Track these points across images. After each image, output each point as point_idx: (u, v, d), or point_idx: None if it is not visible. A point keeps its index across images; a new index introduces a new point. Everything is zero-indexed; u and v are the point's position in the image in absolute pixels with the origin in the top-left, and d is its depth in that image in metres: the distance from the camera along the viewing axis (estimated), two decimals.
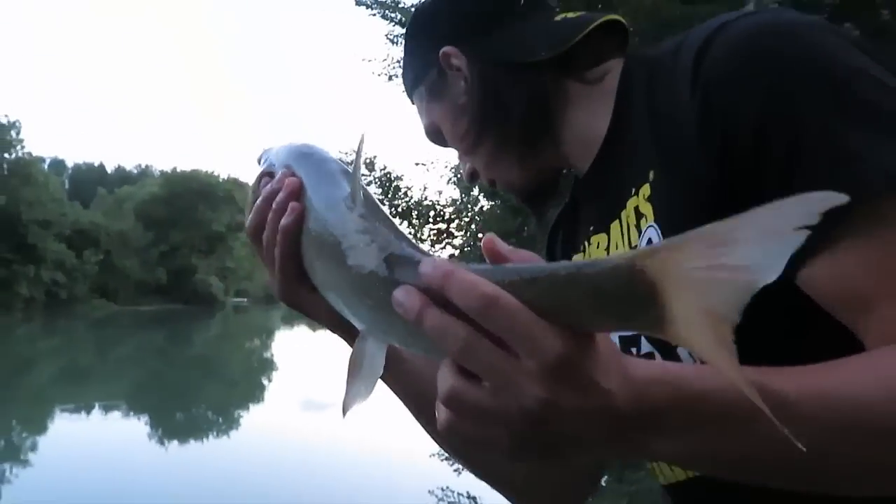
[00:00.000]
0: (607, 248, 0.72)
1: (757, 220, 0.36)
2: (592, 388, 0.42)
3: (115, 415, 15.17)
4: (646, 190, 0.66)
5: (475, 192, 6.00)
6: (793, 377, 0.47)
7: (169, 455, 11.97)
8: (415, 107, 0.82)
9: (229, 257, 47.81)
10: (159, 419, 14.64)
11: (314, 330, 44.80)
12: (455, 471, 7.30)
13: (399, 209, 6.63)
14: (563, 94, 0.73)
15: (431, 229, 6.60)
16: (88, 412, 15.20)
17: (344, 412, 0.55)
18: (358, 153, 0.56)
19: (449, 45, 0.74)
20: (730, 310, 0.36)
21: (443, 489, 7.56)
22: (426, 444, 8.16)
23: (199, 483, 9.63)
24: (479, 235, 6.22)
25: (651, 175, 0.66)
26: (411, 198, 6.52)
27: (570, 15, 0.74)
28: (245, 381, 22.61)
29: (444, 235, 6.56)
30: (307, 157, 0.62)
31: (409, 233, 6.66)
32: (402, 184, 6.56)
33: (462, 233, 6.43)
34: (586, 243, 0.77)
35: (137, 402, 16.46)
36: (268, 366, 26.20)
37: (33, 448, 11.66)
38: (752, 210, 0.36)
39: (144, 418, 14.86)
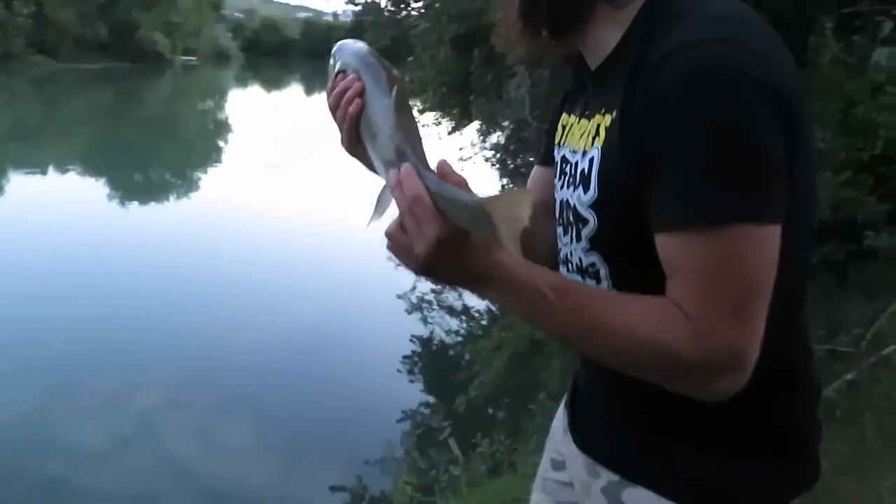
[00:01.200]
0: (580, 135, 0.96)
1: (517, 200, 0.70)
2: (457, 260, 0.78)
3: (72, 176, 15.07)
4: (608, 119, 0.87)
5: None
6: (581, 291, 0.86)
7: (130, 215, 12.26)
8: None
9: (174, 11, 44.87)
10: (117, 180, 14.58)
11: (268, 91, 43.75)
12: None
13: None
14: (593, 9, 0.90)
15: None
16: (44, 173, 15.00)
17: (367, 224, 0.88)
18: (397, 92, 0.87)
19: None
20: (518, 231, 0.68)
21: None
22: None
23: (162, 241, 9.80)
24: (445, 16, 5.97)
25: (615, 113, 0.85)
26: None
27: None
28: (201, 141, 22.43)
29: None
30: (370, 66, 0.92)
31: None
32: None
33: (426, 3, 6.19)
34: (575, 119, 1.01)
35: (93, 163, 16.29)
36: (223, 127, 25.85)
37: None
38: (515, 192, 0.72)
39: (102, 179, 14.81)
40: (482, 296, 0.86)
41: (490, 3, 1.10)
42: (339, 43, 1.01)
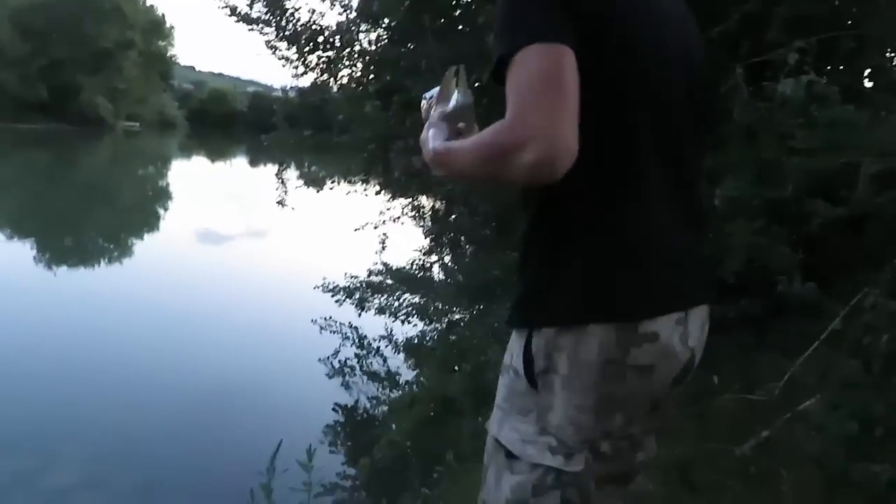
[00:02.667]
0: None
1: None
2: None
3: None
4: None
5: (359, 22, 5.67)
6: (455, 144, 1.23)
7: (58, 280, 11.60)
8: None
9: (119, 77, 44.73)
10: (46, 244, 14.06)
11: (213, 161, 43.43)
12: (336, 301, 7.59)
13: (287, 32, 6.20)
14: None
15: (320, 57, 6.27)
16: None
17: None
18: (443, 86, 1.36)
19: None
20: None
21: (325, 318, 7.88)
22: (310, 279, 8.05)
23: (89, 307, 9.46)
24: (370, 68, 5.95)
25: None
26: (298, 19, 6.12)
27: None
28: (138, 208, 21.98)
29: (333, 65, 6.27)
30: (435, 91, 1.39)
31: (297, 58, 6.28)
32: (289, 4, 6.11)
33: (351, 63, 6.16)
34: None
35: (22, 226, 15.67)
36: (163, 194, 25.44)
37: None
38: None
39: (30, 242, 14.21)
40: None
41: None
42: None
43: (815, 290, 2.47)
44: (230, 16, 6.29)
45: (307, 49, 6.14)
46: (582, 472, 1.15)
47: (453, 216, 5.70)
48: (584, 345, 1.11)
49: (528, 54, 1.04)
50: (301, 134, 6.29)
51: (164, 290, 10.39)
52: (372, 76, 5.37)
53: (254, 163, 40.58)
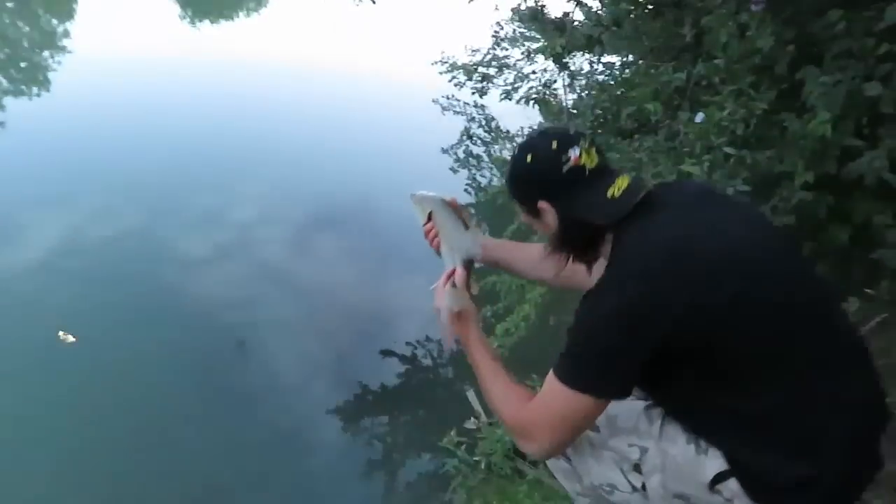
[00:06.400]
0: None
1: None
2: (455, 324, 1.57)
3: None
4: None
5: None
6: (490, 359, 1.53)
7: (214, 34, 12.59)
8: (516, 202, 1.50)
9: None
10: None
11: None
12: (456, 85, 7.33)
13: None
14: (604, 238, 1.39)
15: None
16: None
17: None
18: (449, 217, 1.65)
19: (541, 200, 1.40)
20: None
21: (447, 97, 7.81)
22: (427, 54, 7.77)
23: (250, 64, 9.82)
24: None
25: None
26: None
27: (620, 188, 1.33)
28: None
29: None
30: (443, 209, 1.65)
31: None
32: None
33: None
34: None
35: None
36: None
37: None
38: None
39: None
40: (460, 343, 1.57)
41: None
42: (420, 193, 1.66)
43: None
44: None
45: None
46: None
47: None
48: None
49: (561, 390, 1.29)
50: None
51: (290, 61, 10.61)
52: None
53: None
